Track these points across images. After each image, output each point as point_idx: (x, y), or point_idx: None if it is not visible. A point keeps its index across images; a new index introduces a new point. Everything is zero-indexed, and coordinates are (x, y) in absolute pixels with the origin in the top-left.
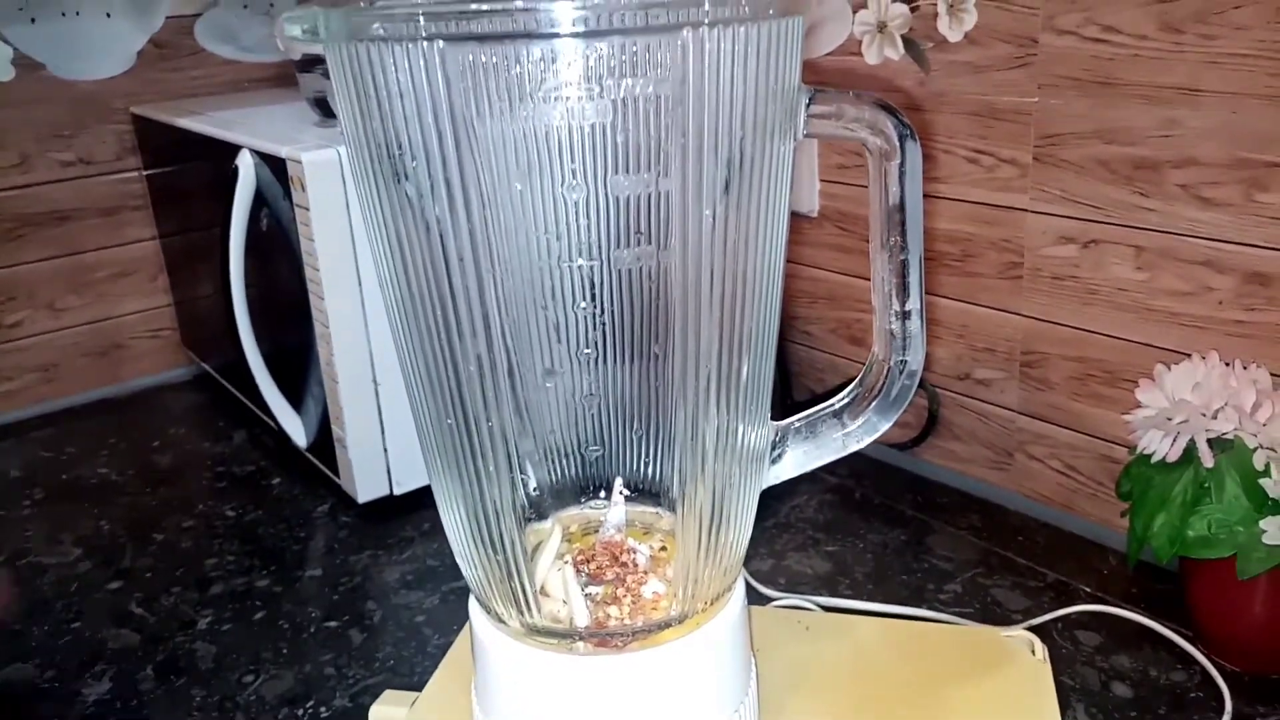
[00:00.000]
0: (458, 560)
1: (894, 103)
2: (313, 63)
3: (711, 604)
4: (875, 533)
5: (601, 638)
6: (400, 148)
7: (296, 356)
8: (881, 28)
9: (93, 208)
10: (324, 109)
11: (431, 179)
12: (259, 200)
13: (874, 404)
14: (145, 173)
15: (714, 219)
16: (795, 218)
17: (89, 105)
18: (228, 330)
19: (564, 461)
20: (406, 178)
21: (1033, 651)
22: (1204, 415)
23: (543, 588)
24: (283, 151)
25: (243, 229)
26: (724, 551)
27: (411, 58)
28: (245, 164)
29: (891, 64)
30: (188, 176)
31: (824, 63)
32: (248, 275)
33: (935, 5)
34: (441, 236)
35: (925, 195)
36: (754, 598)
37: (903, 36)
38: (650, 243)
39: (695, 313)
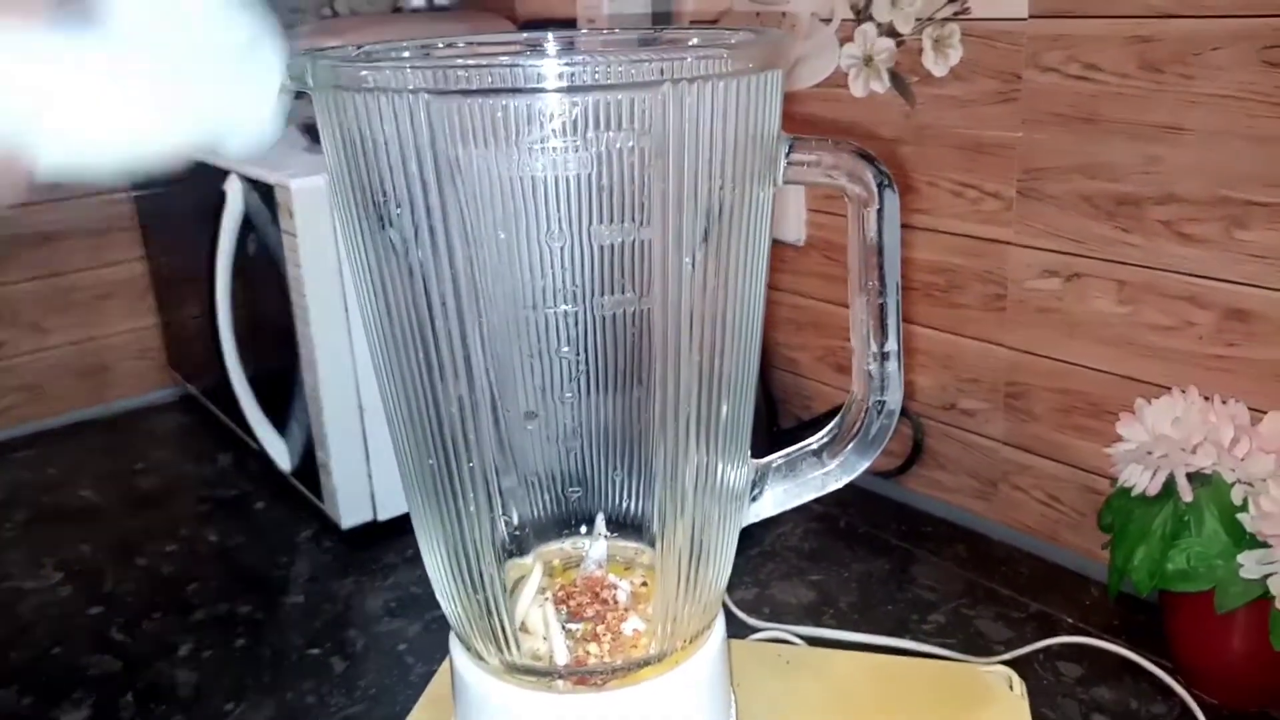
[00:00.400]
0: (438, 597)
1: (880, 134)
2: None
3: (691, 642)
4: (860, 562)
5: (581, 675)
6: (385, 195)
7: (282, 381)
8: (868, 61)
9: (80, 229)
10: (313, 135)
11: (416, 226)
12: (246, 225)
13: (852, 444)
14: (134, 194)
15: (694, 266)
16: (782, 247)
17: None
18: (213, 353)
19: (546, 498)
20: (391, 224)
21: (1010, 686)
22: (1183, 450)
23: (523, 624)
24: (271, 178)
25: (230, 253)
26: (704, 589)
27: (398, 108)
28: (233, 189)
29: (877, 97)
30: (176, 199)
31: (810, 94)
32: (234, 299)
33: (920, 40)
34: (425, 281)
35: (910, 227)
36: (738, 627)
37: (888, 70)
38: (631, 290)
39: (675, 356)
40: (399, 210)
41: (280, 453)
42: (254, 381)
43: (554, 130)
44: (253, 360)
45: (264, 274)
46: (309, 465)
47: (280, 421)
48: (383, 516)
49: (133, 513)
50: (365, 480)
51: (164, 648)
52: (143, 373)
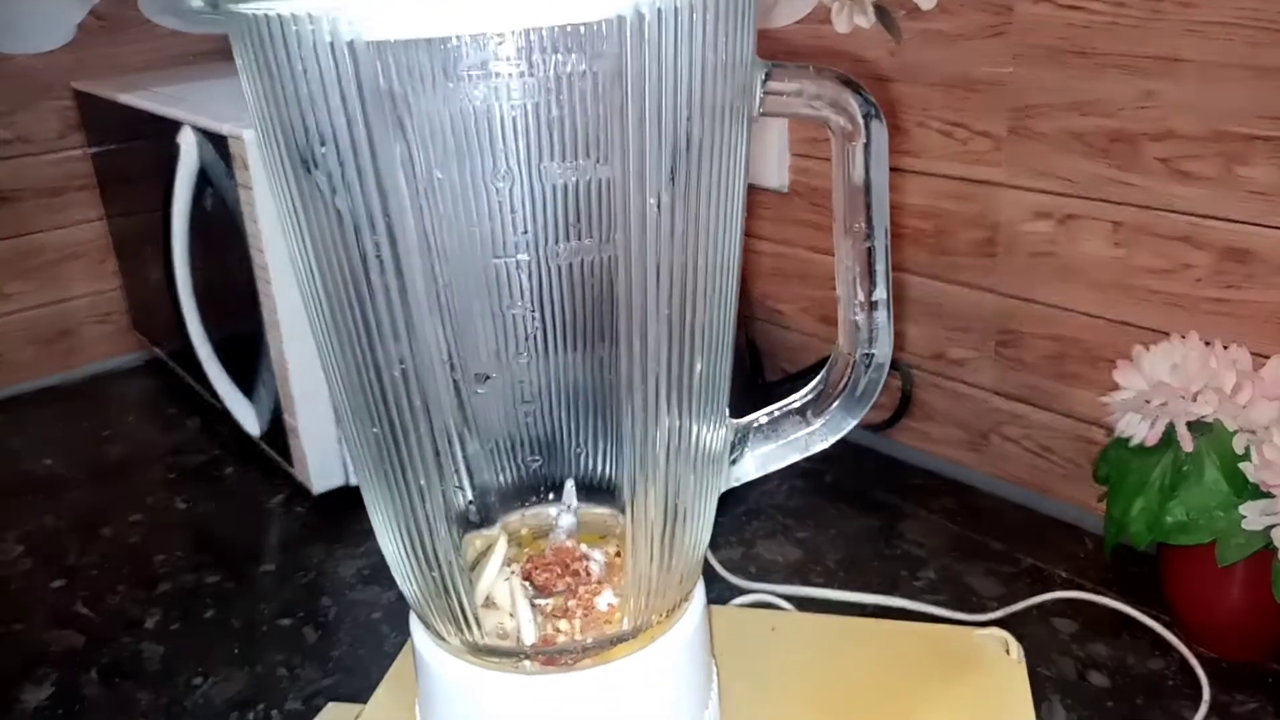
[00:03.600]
0: (393, 574)
1: (864, 73)
2: None
3: (668, 615)
4: (847, 519)
5: (550, 655)
6: (308, 131)
7: (247, 343)
8: None
9: (35, 188)
10: None
11: (343, 165)
12: (203, 179)
13: (838, 401)
14: (90, 151)
15: (659, 209)
16: (765, 193)
17: (27, 81)
18: (175, 316)
19: (510, 465)
20: (316, 165)
21: (1007, 651)
22: (1183, 398)
23: (488, 599)
24: (224, 128)
25: (185, 210)
26: (680, 559)
27: (318, 32)
28: (187, 141)
29: (862, 33)
30: (133, 155)
31: (792, 32)
32: (195, 258)
33: None
34: (356, 230)
35: (897, 170)
36: (723, 588)
37: (874, 4)
38: (590, 236)
39: (642, 309)
40: (324, 150)
41: (248, 417)
42: (219, 344)
43: (497, 54)
44: (217, 322)
45: (223, 231)
46: (278, 429)
47: (247, 384)
48: (355, 481)
49: (98, 482)
50: (336, 444)
51: (129, 621)
52: (107, 337)
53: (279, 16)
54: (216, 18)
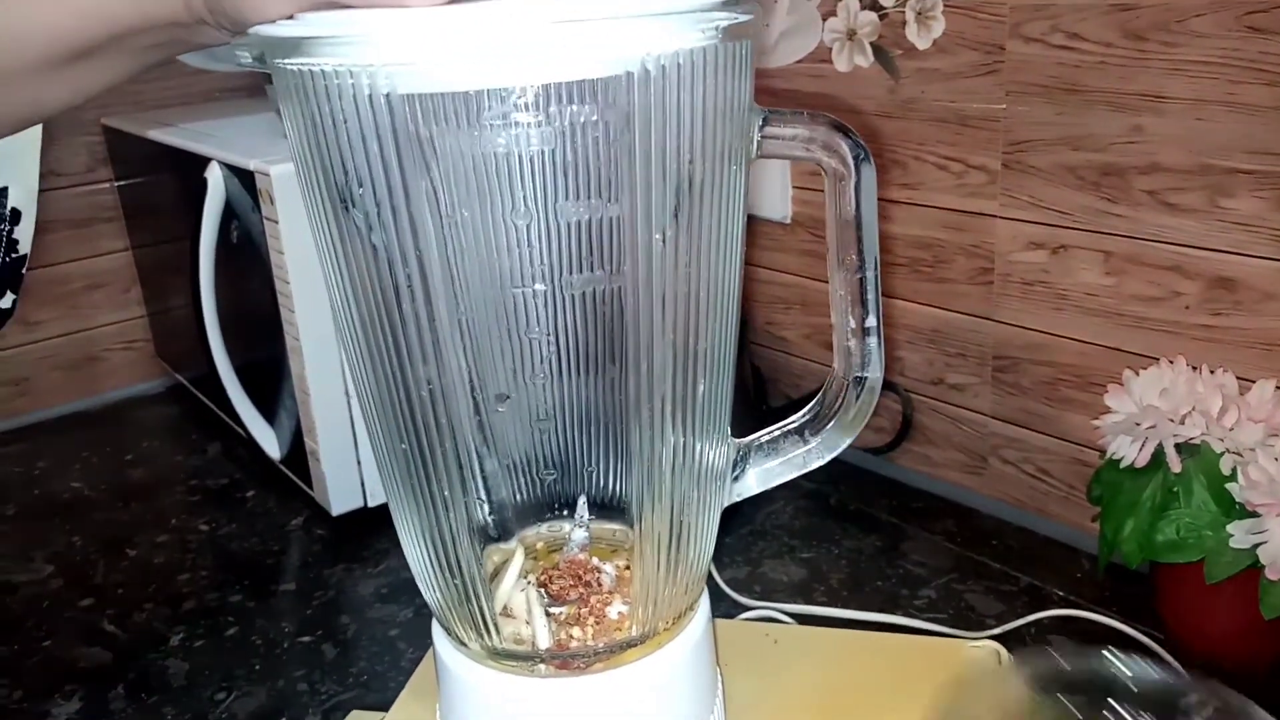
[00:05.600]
0: (418, 583)
1: (865, 108)
2: None
3: (674, 623)
4: (850, 539)
5: (563, 659)
6: (347, 174)
7: (269, 369)
8: (851, 35)
9: (64, 219)
10: None
11: (378, 205)
12: (229, 212)
13: (834, 421)
14: (117, 184)
15: (665, 243)
16: (768, 224)
17: (59, 116)
18: (199, 343)
19: (526, 481)
20: (354, 204)
21: (999, 661)
22: (1171, 420)
23: (506, 608)
24: (251, 164)
25: (212, 241)
26: (685, 569)
27: (358, 85)
28: (214, 176)
29: (861, 72)
30: (159, 188)
31: (793, 71)
32: (220, 288)
33: (904, 12)
34: (389, 263)
35: (896, 202)
36: (729, 606)
37: (872, 44)
38: (601, 268)
39: (649, 335)
40: (361, 190)
41: (269, 441)
42: (242, 370)
43: (517, 105)
44: (240, 349)
45: (248, 261)
46: (298, 453)
47: (269, 410)
48: (373, 503)
49: (123, 504)
50: (354, 467)
51: (155, 638)
52: (131, 364)
53: (323, 71)
54: (265, 70)
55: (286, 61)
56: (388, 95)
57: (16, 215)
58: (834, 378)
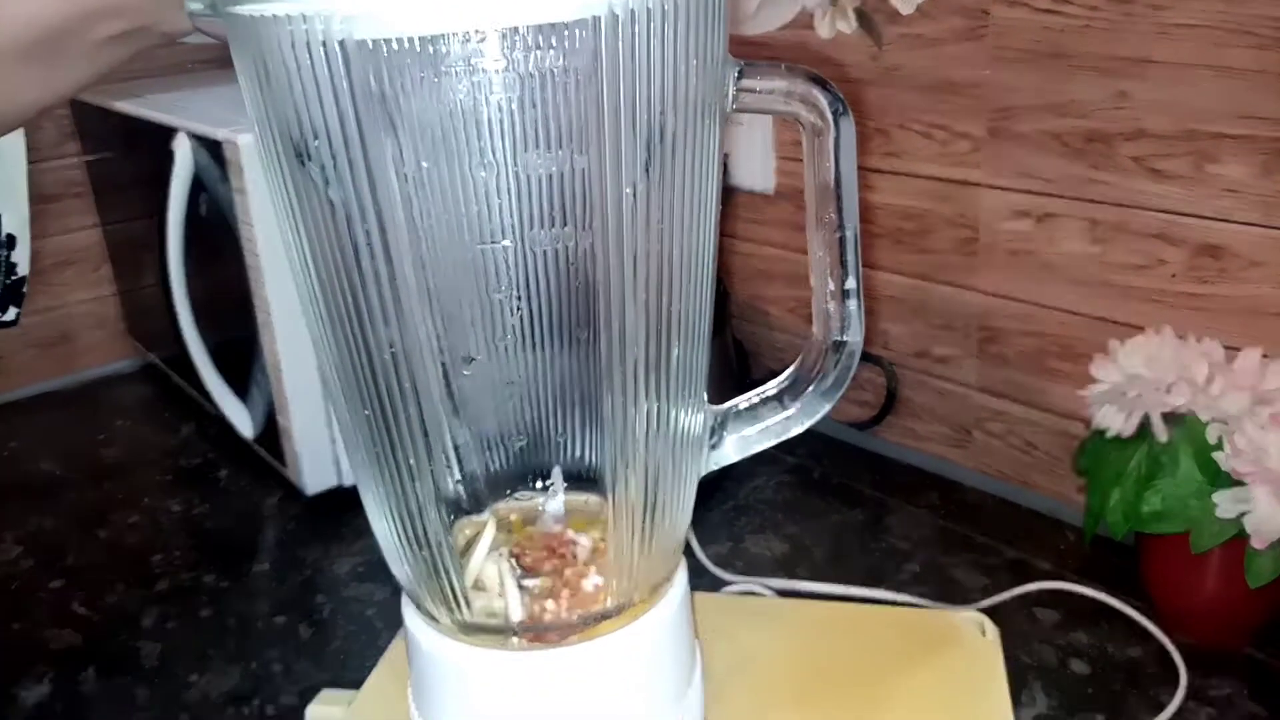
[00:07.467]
0: (385, 557)
1: (849, 76)
2: None
3: (651, 594)
4: (834, 513)
5: (537, 632)
6: (302, 125)
7: (241, 346)
8: (834, 1)
9: (33, 195)
10: None
11: (334, 157)
12: (197, 185)
13: (813, 386)
14: (85, 159)
15: (635, 198)
16: (751, 196)
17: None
18: (169, 320)
19: (498, 451)
20: (310, 158)
21: (983, 632)
22: (1158, 390)
23: (478, 581)
24: (219, 133)
25: (181, 215)
26: (661, 539)
27: (311, 31)
28: (182, 147)
29: (845, 38)
30: (128, 162)
31: (777, 37)
32: (190, 263)
33: None
34: (348, 219)
35: (880, 171)
36: (711, 582)
37: (855, 10)
38: (569, 223)
39: (619, 296)
40: (317, 143)
41: (242, 419)
42: (214, 347)
43: (480, 50)
44: (212, 326)
45: (218, 235)
46: (271, 431)
47: (241, 387)
48: (348, 482)
49: (95, 484)
50: (329, 445)
51: (127, 620)
52: (104, 342)
53: (274, 17)
54: (215, 19)
55: (238, 8)
56: (342, 42)
57: (12, 240)
58: (813, 342)
